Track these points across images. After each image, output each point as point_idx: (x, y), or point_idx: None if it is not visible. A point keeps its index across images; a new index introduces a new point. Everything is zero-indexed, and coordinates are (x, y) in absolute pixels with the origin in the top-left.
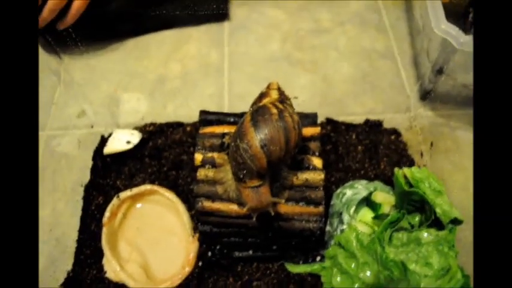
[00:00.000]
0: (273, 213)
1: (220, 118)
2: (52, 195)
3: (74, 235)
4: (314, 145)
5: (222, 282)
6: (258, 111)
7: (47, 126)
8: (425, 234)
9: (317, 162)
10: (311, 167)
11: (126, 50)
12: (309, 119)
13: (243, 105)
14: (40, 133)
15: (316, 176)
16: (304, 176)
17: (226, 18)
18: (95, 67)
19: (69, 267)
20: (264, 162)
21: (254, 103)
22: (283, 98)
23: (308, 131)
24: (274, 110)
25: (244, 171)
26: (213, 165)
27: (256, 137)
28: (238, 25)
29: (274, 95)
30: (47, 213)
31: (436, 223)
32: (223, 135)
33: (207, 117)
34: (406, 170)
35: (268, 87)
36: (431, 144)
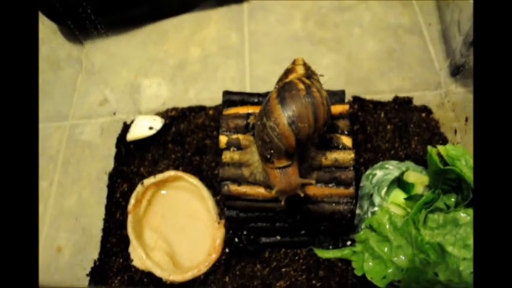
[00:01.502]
0: (302, 195)
1: (244, 98)
2: (77, 184)
3: (100, 224)
4: (343, 123)
5: (249, 269)
6: (285, 88)
7: (70, 115)
8: (463, 215)
9: (346, 140)
10: (340, 146)
11: (145, 35)
12: (336, 96)
13: (265, 87)
14: (63, 123)
15: (346, 156)
16: (333, 156)
17: None
18: (114, 54)
19: (96, 256)
20: (293, 141)
21: (280, 80)
22: (310, 73)
23: (336, 109)
24: (302, 86)
25: (272, 151)
26: (238, 147)
27: (284, 114)
28: (257, 5)
29: (300, 70)
30: (73, 202)
31: None
32: (247, 115)
33: (231, 98)
34: (440, 148)
35: (294, 63)
36: (466, 119)
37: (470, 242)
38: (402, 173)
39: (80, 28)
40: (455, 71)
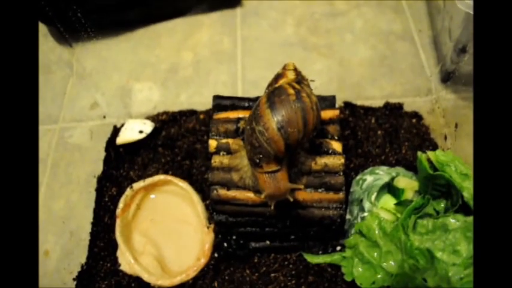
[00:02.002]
0: (292, 200)
1: (234, 103)
2: (66, 187)
3: (88, 227)
4: (333, 128)
5: (238, 274)
6: (274, 92)
7: (60, 118)
8: (452, 220)
9: (336, 146)
10: (330, 151)
11: (137, 39)
12: (327, 101)
13: (257, 92)
14: (53, 126)
15: (336, 161)
16: (323, 161)
17: (238, 4)
18: (106, 58)
19: (83, 260)
20: (282, 145)
21: (270, 84)
22: (300, 79)
23: (326, 114)
24: (291, 91)
25: (261, 156)
26: (228, 151)
27: (273, 119)
28: (250, 11)
29: (290, 75)
30: (61, 205)
31: (463, 208)
32: (238, 120)
33: (221, 102)
34: (430, 153)
35: (284, 67)
36: (456, 125)
37: (460, 247)
38: (392, 179)
39: (70, 31)
40: (446, 78)
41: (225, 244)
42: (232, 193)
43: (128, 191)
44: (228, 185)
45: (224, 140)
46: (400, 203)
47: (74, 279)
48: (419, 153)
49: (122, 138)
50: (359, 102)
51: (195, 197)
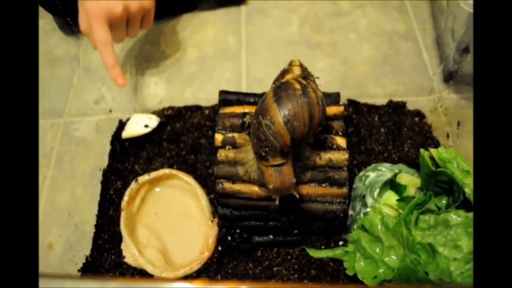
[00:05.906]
0: (297, 196)
1: (240, 98)
2: (71, 180)
3: (93, 220)
4: (337, 124)
5: (241, 268)
6: (281, 87)
7: (66, 112)
8: (454, 216)
9: (341, 141)
10: (334, 146)
11: (142, 35)
12: (332, 98)
13: (261, 89)
14: (58, 119)
15: (340, 156)
16: (327, 156)
17: (243, 1)
18: None
19: (88, 252)
20: (288, 139)
21: (276, 80)
22: (306, 74)
23: (331, 110)
24: (298, 86)
25: (267, 149)
26: (234, 145)
27: (280, 113)
28: (255, 9)
29: (296, 71)
30: (66, 198)
31: (465, 204)
32: (243, 115)
33: (227, 97)
34: (432, 151)
35: (291, 64)
36: (458, 124)
37: (461, 242)
38: (395, 175)
39: (78, 25)
40: (448, 77)
41: (229, 238)
42: (237, 187)
43: (133, 184)
44: (233, 179)
45: (230, 134)
46: (403, 199)
47: (78, 270)
48: (422, 150)
49: (128, 132)
50: (362, 100)
51: (200, 191)
